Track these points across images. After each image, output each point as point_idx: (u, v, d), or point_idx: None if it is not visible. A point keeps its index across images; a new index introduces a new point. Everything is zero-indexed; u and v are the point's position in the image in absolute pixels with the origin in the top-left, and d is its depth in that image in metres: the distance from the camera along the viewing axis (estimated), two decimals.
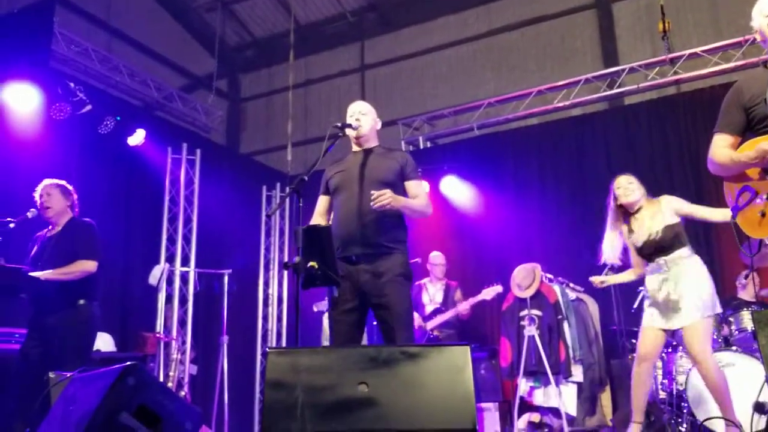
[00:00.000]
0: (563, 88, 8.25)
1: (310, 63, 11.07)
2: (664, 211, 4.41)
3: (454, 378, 2.29)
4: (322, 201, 3.92)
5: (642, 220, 4.47)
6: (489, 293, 6.49)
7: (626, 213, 4.59)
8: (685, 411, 4.96)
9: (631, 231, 4.53)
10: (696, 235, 6.80)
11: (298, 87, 10.78)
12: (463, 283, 6.98)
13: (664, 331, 4.39)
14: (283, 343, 8.44)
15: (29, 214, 4.57)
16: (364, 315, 3.66)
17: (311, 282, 3.19)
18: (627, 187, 4.52)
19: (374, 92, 10.34)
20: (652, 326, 4.40)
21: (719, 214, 4.26)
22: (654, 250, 4.40)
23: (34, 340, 4.36)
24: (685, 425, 4.97)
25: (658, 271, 4.38)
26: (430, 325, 6.50)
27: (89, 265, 4.41)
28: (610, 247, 4.59)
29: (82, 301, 4.39)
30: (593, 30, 8.96)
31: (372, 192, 3.48)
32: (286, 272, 8.65)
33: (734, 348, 4.99)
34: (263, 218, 8.70)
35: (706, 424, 4.57)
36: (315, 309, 6.85)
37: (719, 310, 4.38)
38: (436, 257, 7.01)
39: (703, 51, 7.43)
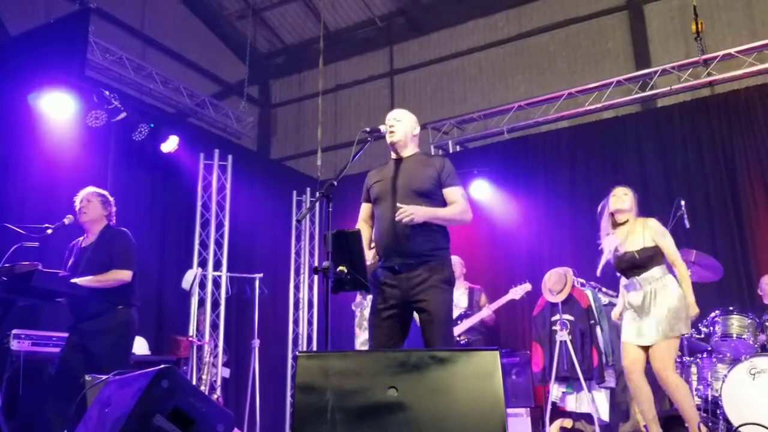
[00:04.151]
0: (594, 90, 8.17)
1: (340, 68, 11.14)
2: (644, 235, 4.48)
3: (484, 383, 2.28)
4: (364, 208, 3.92)
5: (623, 233, 4.57)
6: (517, 292, 6.45)
7: (614, 224, 4.69)
8: (720, 417, 4.88)
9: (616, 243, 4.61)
10: (731, 241, 6.71)
11: (328, 92, 10.86)
12: (494, 288, 6.93)
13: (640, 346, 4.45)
14: (314, 347, 8.48)
15: (66, 221, 4.64)
16: (406, 322, 3.65)
17: (340, 286, 3.21)
18: (621, 197, 4.64)
19: (404, 97, 10.37)
20: (629, 342, 4.47)
21: (684, 280, 4.44)
22: (628, 266, 4.49)
23: (73, 346, 4.42)
24: (720, 431, 4.89)
25: (634, 288, 4.46)
26: (457, 330, 6.46)
27: (123, 275, 4.47)
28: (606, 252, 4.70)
29: (120, 307, 4.46)
30: (625, 32, 8.89)
31: (398, 205, 3.48)
32: (316, 276, 8.69)
33: None
34: (293, 223, 8.75)
35: (742, 430, 4.50)
36: (353, 307, 6.85)
37: (687, 330, 4.44)
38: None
39: (738, 51, 7.31)
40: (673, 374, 4.31)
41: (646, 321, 4.36)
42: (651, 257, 4.42)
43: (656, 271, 4.41)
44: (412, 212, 3.42)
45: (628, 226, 4.56)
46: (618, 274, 4.67)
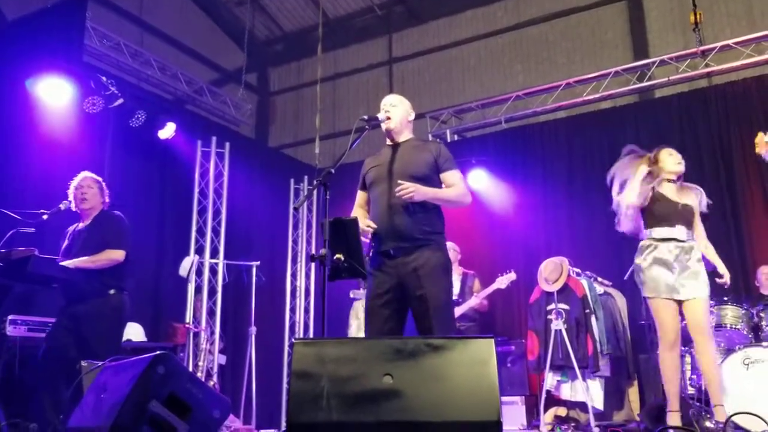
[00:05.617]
0: (593, 80, 8.16)
1: (339, 56, 11.11)
2: (693, 197, 4.53)
3: (479, 370, 2.29)
4: (360, 195, 3.91)
5: (672, 188, 4.53)
6: (503, 281, 6.44)
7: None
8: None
9: (659, 189, 4.53)
10: (727, 231, 6.73)
11: (327, 80, 10.82)
12: (490, 277, 6.93)
13: (675, 301, 4.37)
14: (311, 335, 8.49)
15: (62, 206, 4.65)
16: (403, 308, 3.62)
17: (337, 274, 3.21)
18: (682, 162, 4.57)
19: (402, 85, 10.35)
20: (666, 298, 4.35)
21: (710, 251, 4.53)
22: (679, 217, 4.42)
23: (64, 329, 4.42)
24: (713, 421, 4.91)
25: (675, 237, 4.38)
26: None
27: (117, 254, 4.47)
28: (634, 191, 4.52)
29: (112, 291, 4.46)
30: (623, 22, 8.87)
31: (399, 182, 3.47)
32: (313, 264, 8.70)
33: (765, 344, 4.94)
34: (291, 211, 8.74)
35: (735, 419, 4.52)
36: (351, 295, 6.85)
37: None
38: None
39: (736, 43, 7.30)
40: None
41: (695, 272, 4.33)
42: (694, 219, 4.49)
43: (691, 234, 4.46)
44: (412, 189, 3.42)
45: (677, 185, 4.57)
46: (643, 227, 4.57)
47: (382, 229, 3.60)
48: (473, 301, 6.50)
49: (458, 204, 3.73)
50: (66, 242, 4.65)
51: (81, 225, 4.68)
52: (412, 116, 3.92)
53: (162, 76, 9.14)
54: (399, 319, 3.61)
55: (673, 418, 4.35)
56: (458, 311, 6.49)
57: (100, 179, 4.79)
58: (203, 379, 6.17)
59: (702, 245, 4.51)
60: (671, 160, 4.55)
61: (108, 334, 4.43)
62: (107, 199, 4.78)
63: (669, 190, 4.52)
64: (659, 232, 4.44)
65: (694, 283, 4.30)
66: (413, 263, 3.52)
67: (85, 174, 4.77)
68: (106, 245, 4.47)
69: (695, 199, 4.53)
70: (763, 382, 4.69)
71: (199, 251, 7.35)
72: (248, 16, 10.71)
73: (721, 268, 4.49)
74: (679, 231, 4.40)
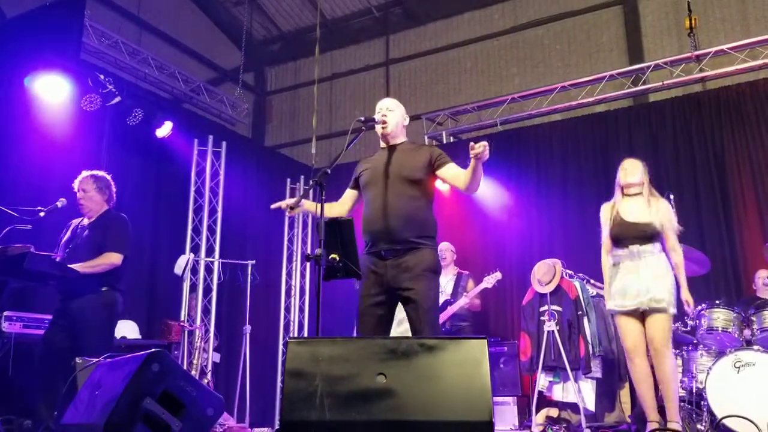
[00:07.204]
0: (588, 84, 8.19)
1: (336, 57, 11.13)
2: (657, 211, 4.48)
3: (472, 371, 2.32)
4: (347, 194, 3.95)
5: (633, 204, 4.54)
6: (489, 281, 6.48)
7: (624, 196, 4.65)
8: (704, 409, 4.95)
9: (618, 211, 4.57)
10: (720, 235, 6.77)
11: (324, 81, 10.83)
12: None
13: (635, 316, 4.39)
14: (305, 334, 8.51)
15: (59, 204, 4.64)
16: (392, 309, 3.66)
17: (332, 274, 3.24)
18: (630, 170, 4.60)
19: (399, 87, 10.37)
20: (623, 312, 4.41)
21: (680, 268, 4.48)
22: (631, 236, 4.44)
23: (58, 326, 4.44)
24: (704, 423, 4.95)
25: (630, 257, 4.43)
26: (442, 317, 6.48)
27: (115, 258, 4.47)
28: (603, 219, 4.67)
29: (105, 288, 4.46)
30: (619, 26, 8.91)
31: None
32: (308, 264, 8.72)
33: (756, 348, 4.97)
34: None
35: (725, 422, 4.57)
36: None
37: (673, 311, 4.40)
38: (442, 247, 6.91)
39: (730, 48, 7.34)
40: (671, 354, 4.33)
41: (649, 287, 4.31)
42: (656, 234, 4.43)
43: (656, 246, 4.43)
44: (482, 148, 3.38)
45: (642, 198, 4.54)
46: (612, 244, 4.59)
47: (375, 231, 3.64)
48: (462, 301, 6.54)
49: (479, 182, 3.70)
50: (67, 234, 4.64)
51: (85, 221, 4.67)
52: (407, 121, 3.97)
53: (159, 75, 9.14)
54: (389, 321, 3.67)
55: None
56: (450, 311, 6.53)
57: (100, 175, 4.73)
58: (197, 377, 6.19)
59: (674, 260, 4.50)
60: (621, 175, 4.64)
61: (99, 329, 4.41)
62: (113, 195, 4.74)
63: (628, 208, 4.55)
64: (617, 253, 4.52)
65: (649, 295, 4.31)
66: (404, 264, 3.56)
67: (84, 174, 4.72)
68: (105, 246, 4.47)
69: (660, 218, 4.47)
70: (754, 385, 4.72)
71: (195, 249, 7.37)
72: (246, 16, 10.72)
73: (685, 293, 4.48)
74: (630, 251, 4.44)
